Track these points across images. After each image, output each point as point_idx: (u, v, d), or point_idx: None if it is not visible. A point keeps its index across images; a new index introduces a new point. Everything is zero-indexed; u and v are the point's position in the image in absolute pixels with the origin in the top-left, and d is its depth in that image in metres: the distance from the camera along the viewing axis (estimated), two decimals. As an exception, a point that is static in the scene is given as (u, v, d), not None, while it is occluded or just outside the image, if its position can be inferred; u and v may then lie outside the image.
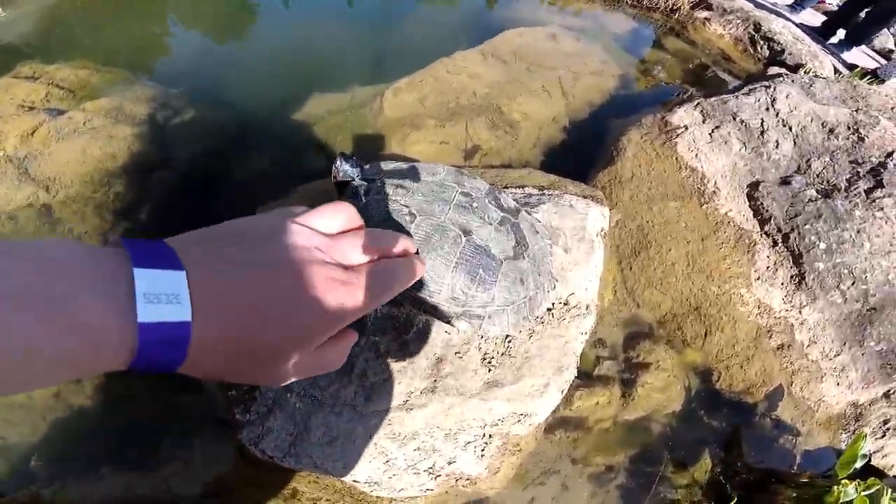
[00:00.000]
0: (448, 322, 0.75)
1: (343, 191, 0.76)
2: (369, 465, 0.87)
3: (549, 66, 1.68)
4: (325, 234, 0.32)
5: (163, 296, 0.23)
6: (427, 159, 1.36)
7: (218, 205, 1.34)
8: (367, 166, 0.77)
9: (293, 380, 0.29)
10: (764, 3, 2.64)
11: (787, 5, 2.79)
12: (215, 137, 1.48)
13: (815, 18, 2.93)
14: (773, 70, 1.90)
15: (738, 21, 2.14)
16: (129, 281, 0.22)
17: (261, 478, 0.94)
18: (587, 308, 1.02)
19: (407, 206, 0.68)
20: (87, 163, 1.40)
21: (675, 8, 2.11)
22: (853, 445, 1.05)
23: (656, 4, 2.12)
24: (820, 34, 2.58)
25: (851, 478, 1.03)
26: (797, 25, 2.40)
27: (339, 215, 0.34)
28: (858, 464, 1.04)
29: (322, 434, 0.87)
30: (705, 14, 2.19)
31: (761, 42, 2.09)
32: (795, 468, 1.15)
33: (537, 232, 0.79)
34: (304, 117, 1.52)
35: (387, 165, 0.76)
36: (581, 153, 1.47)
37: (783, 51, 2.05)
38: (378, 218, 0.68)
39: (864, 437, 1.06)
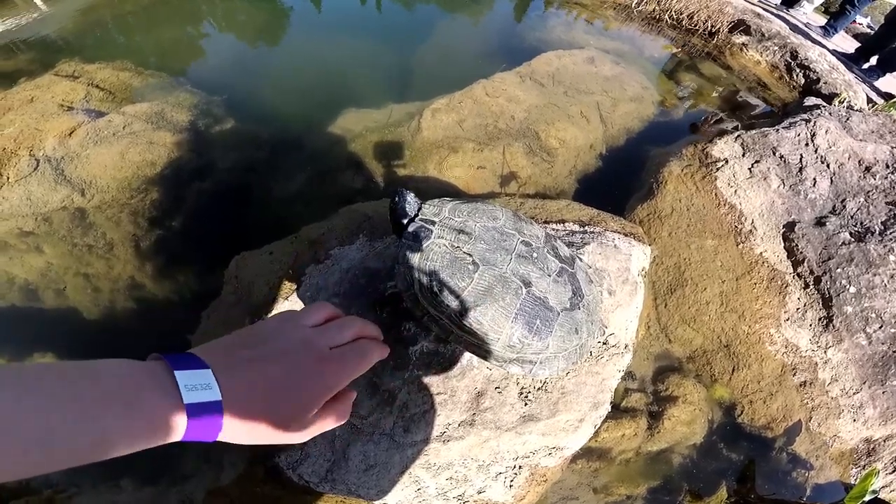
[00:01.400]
0: (499, 365, 0.76)
1: (400, 228, 0.77)
2: (401, 492, 0.88)
3: (588, 91, 1.67)
4: (314, 326, 0.42)
5: (198, 385, 0.32)
6: (464, 185, 1.37)
7: (255, 221, 1.34)
8: (425, 205, 0.78)
9: (307, 438, 0.38)
10: (797, 24, 2.61)
11: (820, 27, 2.75)
12: (255, 149, 1.48)
13: (847, 43, 2.90)
14: (810, 100, 1.88)
15: (776, 48, 2.11)
16: (174, 380, 0.31)
17: (289, 499, 0.94)
18: (626, 347, 1.03)
19: (469, 255, 0.69)
20: (126, 168, 1.41)
21: (713, 31, 2.09)
22: (864, 480, 1.08)
23: (695, 26, 2.10)
24: (853, 60, 2.54)
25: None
26: (831, 52, 2.37)
27: (322, 311, 0.44)
28: (867, 498, 1.06)
29: (359, 462, 0.87)
30: (743, 39, 2.16)
31: (797, 70, 2.07)
32: (805, 500, 1.16)
33: (591, 281, 0.80)
34: (342, 132, 1.52)
35: (444, 205, 0.77)
36: (617, 183, 1.46)
37: (818, 79, 2.03)
38: (439, 265, 0.69)
39: (877, 472, 1.09)
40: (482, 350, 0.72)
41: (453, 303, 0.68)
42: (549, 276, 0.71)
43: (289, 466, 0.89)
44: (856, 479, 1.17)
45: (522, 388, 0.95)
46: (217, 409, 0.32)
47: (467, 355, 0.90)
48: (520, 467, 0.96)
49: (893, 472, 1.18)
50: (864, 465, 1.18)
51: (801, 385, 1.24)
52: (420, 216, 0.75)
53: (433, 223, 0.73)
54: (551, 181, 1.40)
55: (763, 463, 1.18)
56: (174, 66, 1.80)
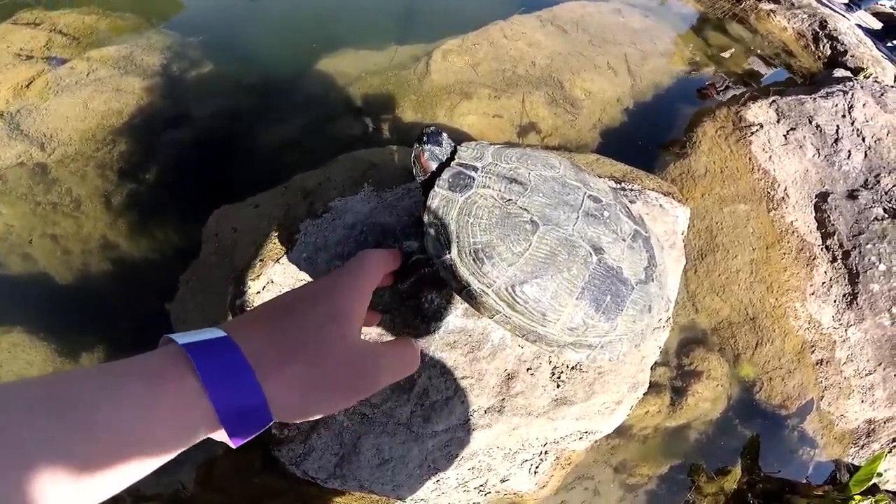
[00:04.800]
0: (550, 350, 0.58)
1: (429, 180, 0.56)
2: (419, 485, 0.75)
3: (615, 42, 1.44)
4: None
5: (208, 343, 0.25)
6: (478, 134, 1.16)
7: (241, 171, 1.12)
8: (461, 147, 0.57)
9: (385, 383, 0.30)
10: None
11: (844, 3, 2.53)
12: (238, 95, 1.25)
13: (870, 19, 2.68)
14: (840, 72, 1.70)
15: (805, 16, 1.90)
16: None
17: (292, 490, 0.84)
18: (667, 321, 0.87)
19: (526, 210, 0.49)
20: (89, 118, 1.20)
21: (741, -6, 1.86)
22: (871, 464, 1.00)
23: (723, -14, 1.87)
24: (878, 38, 2.34)
25: (864, 494, 0.99)
26: (858, 26, 2.18)
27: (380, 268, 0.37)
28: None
29: (372, 456, 0.72)
30: (770, 6, 1.95)
31: (824, 40, 1.87)
32: (807, 480, 1.12)
33: (663, 247, 0.61)
34: (338, 77, 1.28)
35: (485, 148, 0.56)
36: (644, 140, 1.29)
37: (845, 52, 1.83)
38: (486, 223, 0.49)
39: (885, 455, 1.01)
40: (533, 333, 0.54)
41: (504, 273, 0.48)
42: (624, 240, 0.52)
43: (291, 462, 0.73)
44: (852, 458, 1.13)
45: (555, 367, 0.79)
46: (237, 357, 0.25)
47: (500, 332, 0.72)
48: (546, 452, 0.82)
49: (889, 452, 1.13)
50: (863, 446, 1.15)
51: (817, 363, 1.16)
52: (457, 160, 0.54)
53: (474, 168, 0.53)
54: (574, 133, 1.21)
55: (772, 441, 1.13)
56: (145, 6, 1.52)
